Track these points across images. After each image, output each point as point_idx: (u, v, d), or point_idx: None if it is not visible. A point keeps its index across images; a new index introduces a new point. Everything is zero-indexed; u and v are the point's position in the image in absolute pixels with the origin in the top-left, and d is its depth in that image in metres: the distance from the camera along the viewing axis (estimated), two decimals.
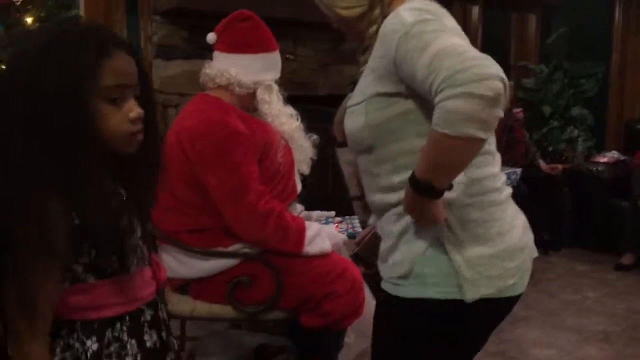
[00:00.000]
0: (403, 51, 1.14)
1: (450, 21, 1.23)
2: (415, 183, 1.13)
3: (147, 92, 1.10)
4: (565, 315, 3.44)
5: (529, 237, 1.33)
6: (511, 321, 3.14)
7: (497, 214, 1.24)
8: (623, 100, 5.23)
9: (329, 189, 3.59)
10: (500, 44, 5.59)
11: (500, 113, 1.06)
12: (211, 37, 2.02)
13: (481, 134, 1.06)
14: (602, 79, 5.22)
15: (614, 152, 4.92)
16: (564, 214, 4.66)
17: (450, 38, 1.12)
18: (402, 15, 1.18)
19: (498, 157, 1.31)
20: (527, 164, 4.46)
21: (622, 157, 4.75)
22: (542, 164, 4.63)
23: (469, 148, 1.09)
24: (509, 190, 1.31)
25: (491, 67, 1.05)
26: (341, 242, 2.10)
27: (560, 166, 4.68)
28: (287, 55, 3.06)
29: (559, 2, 5.39)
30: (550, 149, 5.09)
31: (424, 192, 1.13)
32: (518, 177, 4.03)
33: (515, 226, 1.28)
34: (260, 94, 2.00)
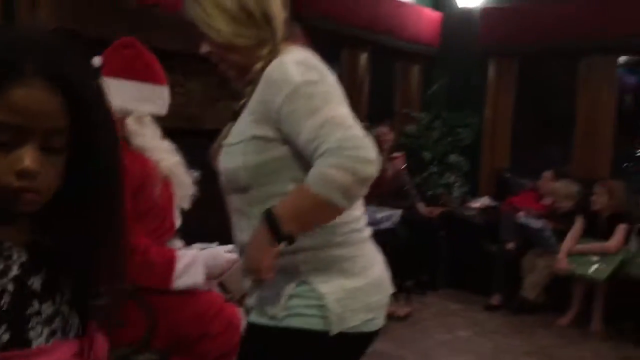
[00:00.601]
0: (289, 109, 1.21)
1: (331, 78, 1.29)
2: (270, 218, 1.18)
3: (91, 140, 0.82)
4: (437, 354, 3.57)
5: (387, 274, 1.42)
6: None
7: (361, 251, 1.35)
8: (495, 150, 5.62)
9: (212, 224, 3.52)
10: (386, 91, 5.86)
11: (365, 192, 1.21)
12: (96, 60, 1.97)
13: (345, 205, 1.18)
14: (477, 129, 5.60)
15: (486, 198, 5.26)
16: (440, 256, 4.89)
17: (339, 107, 1.22)
18: (289, 70, 1.23)
19: (360, 201, 1.40)
20: (408, 207, 4.65)
21: (493, 203, 5.09)
22: (421, 207, 4.84)
23: (330, 213, 1.20)
24: (369, 230, 1.42)
25: (372, 151, 1.18)
26: (226, 262, 2.02)
27: (437, 210, 4.93)
28: (176, 89, 3.01)
29: (438, 54, 5.76)
30: (429, 193, 5.34)
31: (273, 228, 1.18)
32: (398, 219, 4.19)
33: (376, 262, 1.39)
34: (130, 124, 1.94)
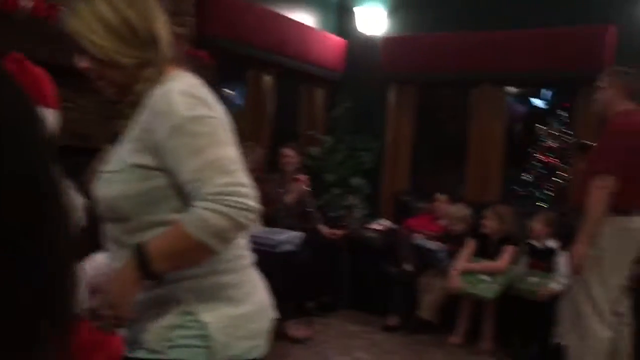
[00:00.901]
0: (172, 144, 1.18)
1: (219, 111, 1.27)
2: (140, 254, 1.16)
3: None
4: None
5: (270, 299, 1.43)
6: None
7: (246, 277, 1.35)
8: (395, 174, 5.80)
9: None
10: (291, 113, 5.91)
11: (241, 236, 1.25)
12: None
13: (219, 249, 1.19)
14: (379, 153, 5.76)
15: (386, 220, 5.40)
16: (342, 277, 4.95)
17: (223, 148, 1.20)
18: (175, 101, 1.19)
19: None
20: (310, 229, 4.68)
21: (393, 225, 5.24)
22: (323, 228, 4.90)
23: (203, 256, 1.20)
24: (253, 257, 1.41)
25: (253, 198, 1.19)
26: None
27: (339, 232, 5.00)
28: (68, 105, 2.88)
29: (343, 79, 5.91)
30: (332, 215, 5.41)
31: (142, 265, 1.16)
32: (299, 241, 4.20)
33: (260, 288, 1.39)
34: None
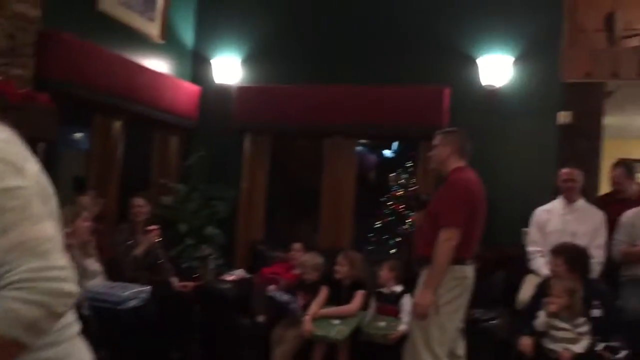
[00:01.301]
0: None
1: (32, 175, 1.14)
2: None
3: None
4: None
5: None
6: None
7: (73, 347, 1.24)
8: (250, 223, 5.78)
9: None
10: (142, 160, 5.70)
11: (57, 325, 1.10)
12: None
13: (31, 342, 1.04)
14: (234, 202, 5.71)
15: (241, 270, 5.33)
16: (194, 331, 4.77)
17: (36, 225, 1.07)
18: None
19: None
20: (160, 282, 4.48)
21: (248, 276, 5.17)
22: (175, 281, 4.71)
23: (14, 353, 1.04)
24: (78, 326, 1.30)
25: (70, 282, 1.07)
26: None
27: (191, 284, 4.84)
28: None
29: (197, 127, 5.84)
30: (185, 266, 5.23)
31: None
32: (147, 295, 4.00)
33: (87, 358, 1.29)
34: None
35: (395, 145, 8.17)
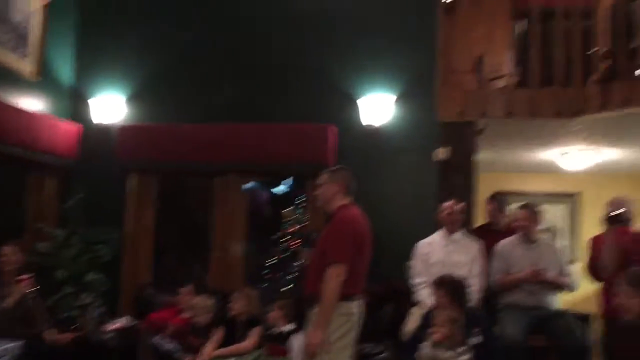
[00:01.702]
0: None
1: None
2: None
3: None
4: None
5: None
6: None
7: None
8: (136, 266, 5.54)
9: None
10: (16, 204, 5.33)
11: None
12: None
13: None
14: (117, 245, 5.46)
15: (126, 317, 5.06)
16: None
17: None
18: None
19: None
20: (34, 335, 4.16)
21: (134, 323, 4.92)
22: (50, 334, 4.38)
23: None
24: None
25: None
26: None
27: (70, 335, 4.53)
28: None
29: (77, 168, 5.56)
30: (63, 316, 4.90)
31: None
32: (18, 351, 3.70)
33: None
34: None
35: (289, 180, 8.22)
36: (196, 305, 4.64)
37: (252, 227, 5.77)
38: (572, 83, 4.86)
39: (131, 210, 5.59)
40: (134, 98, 5.77)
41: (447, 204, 4.54)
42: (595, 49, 4.84)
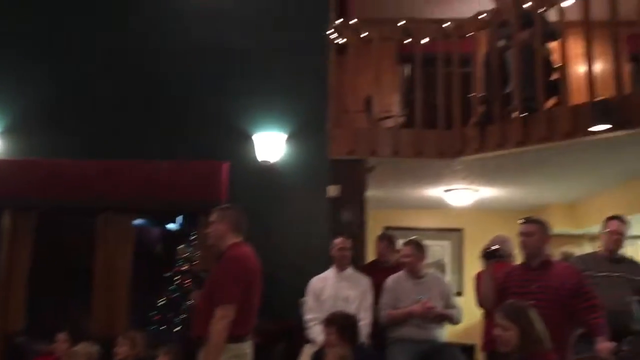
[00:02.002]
0: None
1: None
2: None
3: None
4: None
5: None
6: None
7: None
8: (7, 312, 5.12)
9: None
10: None
11: None
12: None
13: None
14: None
15: None
16: None
17: None
18: None
19: None
20: None
21: None
22: None
23: None
24: None
25: None
26: None
27: None
28: None
29: None
30: None
31: None
32: None
33: None
34: None
35: (182, 217, 8.01)
36: (76, 353, 4.34)
37: (140, 266, 5.53)
38: (453, 125, 5.15)
39: (4, 251, 5.18)
40: (9, 132, 5.42)
41: (337, 240, 4.60)
42: (474, 93, 5.18)
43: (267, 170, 5.26)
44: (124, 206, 5.27)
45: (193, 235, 7.39)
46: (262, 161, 5.27)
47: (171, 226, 8.25)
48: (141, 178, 5.18)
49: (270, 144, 5.26)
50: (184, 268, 7.61)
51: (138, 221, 6.56)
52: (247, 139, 5.33)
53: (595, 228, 4.25)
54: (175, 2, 5.68)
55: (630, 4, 4.31)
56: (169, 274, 7.58)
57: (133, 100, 5.50)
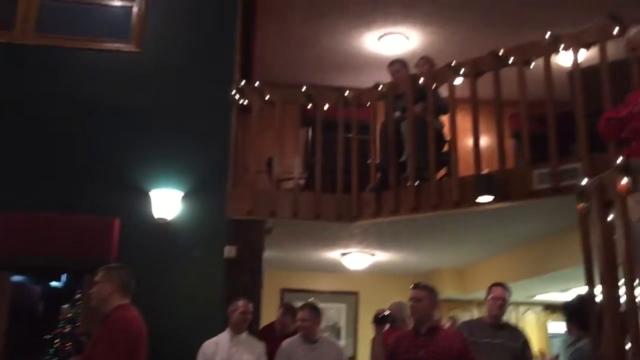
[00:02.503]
0: None
1: None
2: None
3: None
4: None
5: None
6: None
7: None
8: None
9: None
10: None
11: None
12: None
13: None
14: None
15: None
16: None
17: None
18: None
19: None
20: None
21: None
22: None
23: None
24: None
25: None
26: None
27: None
28: None
29: None
30: None
31: None
32: None
33: None
34: None
35: (67, 275, 7.56)
36: None
37: (18, 327, 5.10)
38: (351, 190, 5.28)
39: None
40: None
41: (240, 302, 4.50)
42: (371, 160, 5.37)
43: (162, 228, 5.09)
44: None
45: (78, 294, 6.98)
46: (158, 218, 5.11)
47: (55, 284, 7.79)
48: (21, 232, 4.83)
49: (167, 201, 5.13)
50: (66, 330, 7.12)
51: (17, 278, 6.11)
52: (143, 195, 5.16)
53: (482, 294, 4.44)
54: (75, 56, 5.51)
55: (513, 86, 4.69)
56: (49, 336, 7.08)
57: (19, 148, 5.20)
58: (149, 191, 5.15)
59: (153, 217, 5.10)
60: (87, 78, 5.45)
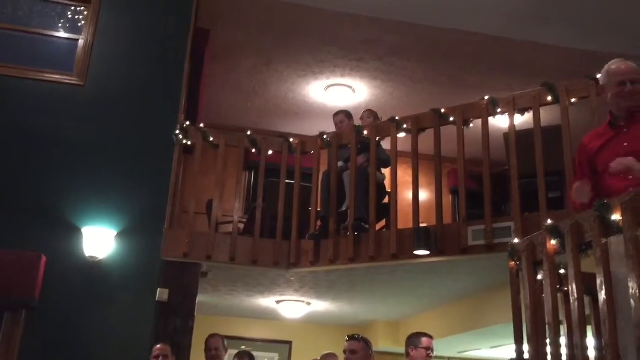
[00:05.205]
0: None
1: None
2: None
3: None
4: None
5: None
6: None
7: None
8: None
9: None
10: None
11: None
12: None
13: None
14: None
15: None
16: None
17: None
18: None
19: None
20: None
21: None
22: None
23: None
24: None
25: None
26: None
27: None
28: None
29: None
30: None
31: None
32: None
33: None
34: None
35: None
36: None
37: None
38: (290, 237, 5.25)
39: None
40: None
41: (157, 346, 4.36)
42: (311, 208, 5.38)
43: (93, 267, 4.89)
44: None
45: None
46: (89, 257, 4.91)
47: None
48: None
49: (100, 239, 4.95)
50: None
51: None
52: (75, 231, 4.96)
53: None
54: (16, 84, 5.35)
55: (453, 144, 4.84)
56: None
57: None
58: (81, 228, 4.97)
59: (84, 255, 4.90)
60: (27, 108, 5.29)
